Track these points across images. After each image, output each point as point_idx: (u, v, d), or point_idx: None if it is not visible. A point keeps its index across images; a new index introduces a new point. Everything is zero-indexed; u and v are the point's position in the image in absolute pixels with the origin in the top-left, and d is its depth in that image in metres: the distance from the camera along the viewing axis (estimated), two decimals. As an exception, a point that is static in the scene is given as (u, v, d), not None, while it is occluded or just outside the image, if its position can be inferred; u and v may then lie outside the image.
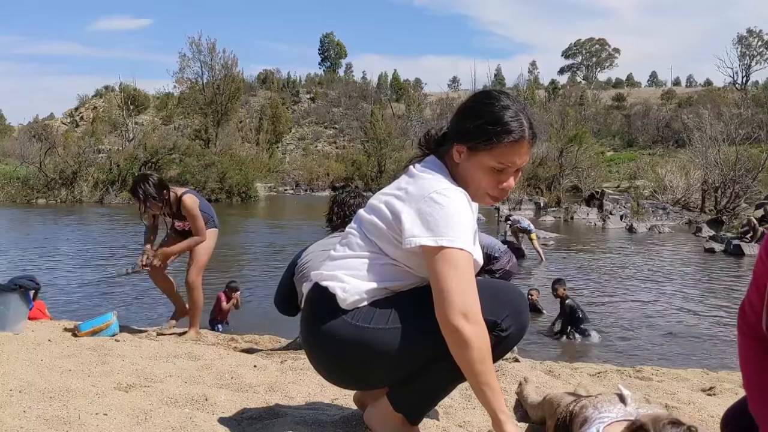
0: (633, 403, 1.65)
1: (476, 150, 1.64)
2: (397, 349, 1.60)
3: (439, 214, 1.56)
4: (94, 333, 3.97)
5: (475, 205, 1.73)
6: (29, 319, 4.07)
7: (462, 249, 1.55)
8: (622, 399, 1.66)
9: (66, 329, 4.12)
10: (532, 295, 7.83)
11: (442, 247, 1.54)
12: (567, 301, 6.66)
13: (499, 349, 1.60)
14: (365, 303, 1.64)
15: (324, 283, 1.68)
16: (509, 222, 12.87)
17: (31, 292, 3.97)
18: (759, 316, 1.41)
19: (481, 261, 1.75)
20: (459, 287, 1.52)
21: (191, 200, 4.25)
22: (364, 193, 3.74)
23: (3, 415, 1.83)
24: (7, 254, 11.36)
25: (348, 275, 1.66)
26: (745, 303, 1.45)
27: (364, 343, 1.61)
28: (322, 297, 1.67)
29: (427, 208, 1.58)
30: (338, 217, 3.57)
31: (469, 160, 1.66)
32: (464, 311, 1.50)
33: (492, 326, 1.59)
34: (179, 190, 4.33)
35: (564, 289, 6.82)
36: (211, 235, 4.39)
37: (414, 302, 1.62)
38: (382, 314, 1.62)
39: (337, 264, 1.71)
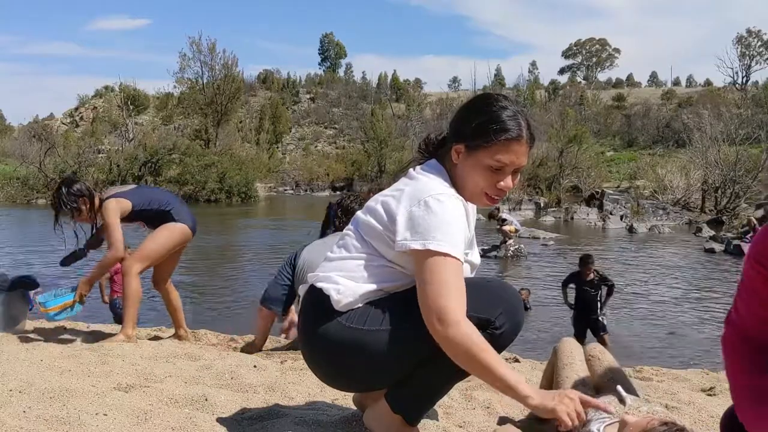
0: (632, 404, 1.65)
1: (474, 149, 1.64)
2: (392, 350, 1.60)
3: (430, 219, 1.56)
4: (63, 309, 3.58)
5: (473, 210, 1.73)
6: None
7: (447, 254, 1.53)
8: (621, 399, 1.67)
9: (66, 328, 4.12)
10: (522, 294, 7.90)
11: (428, 251, 1.53)
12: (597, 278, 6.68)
13: (493, 347, 1.60)
14: (360, 304, 1.64)
15: (319, 285, 1.68)
16: (503, 222, 13.34)
17: (31, 293, 3.95)
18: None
19: (477, 262, 1.76)
20: (435, 291, 1.51)
21: (112, 205, 3.65)
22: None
23: (3, 415, 1.83)
24: (7, 254, 11.35)
25: (343, 277, 1.66)
26: (740, 314, 1.40)
27: (359, 344, 1.60)
28: (317, 299, 1.67)
29: (419, 211, 1.57)
30: (342, 222, 3.61)
31: (467, 159, 1.66)
32: (438, 315, 1.49)
33: (486, 324, 1.59)
34: (116, 191, 3.77)
35: (594, 268, 6.75)
36: (170, 230, 3.81)
37: (408, 303, 1.61)
38: (376, 315, 1.62)
39: (332, 265, 1.71)
